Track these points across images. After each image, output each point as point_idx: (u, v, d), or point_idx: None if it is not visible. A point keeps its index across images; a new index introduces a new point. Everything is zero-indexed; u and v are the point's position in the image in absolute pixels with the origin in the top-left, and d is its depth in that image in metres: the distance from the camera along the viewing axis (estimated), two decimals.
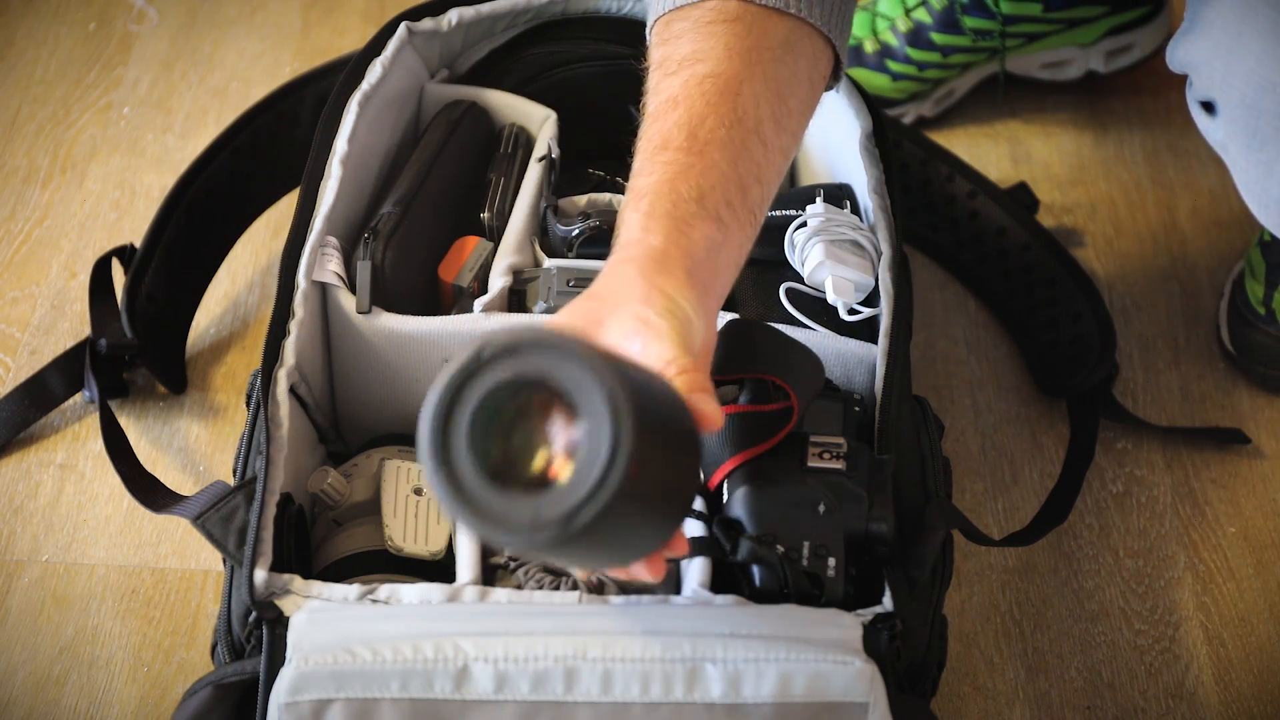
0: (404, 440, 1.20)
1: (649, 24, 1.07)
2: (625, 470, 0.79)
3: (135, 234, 1.45)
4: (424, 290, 1.22)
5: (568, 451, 0.81)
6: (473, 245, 1.23)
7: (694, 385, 0.89)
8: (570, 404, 0.80)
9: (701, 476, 1.01)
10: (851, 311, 1.18)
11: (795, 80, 1.04)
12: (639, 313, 0.91)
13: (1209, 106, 1.16)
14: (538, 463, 0.82)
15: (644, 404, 0.80)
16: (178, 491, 1.15)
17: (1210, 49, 1.12)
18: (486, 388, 0.81)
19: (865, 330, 1.17)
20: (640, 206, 0.97)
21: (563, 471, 0.81)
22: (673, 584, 1.04)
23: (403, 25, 1.29)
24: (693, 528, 1.03)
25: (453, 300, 1.22)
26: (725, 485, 1.03)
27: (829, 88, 1.10)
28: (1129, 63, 1.59)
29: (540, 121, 1.31)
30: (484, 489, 0.81)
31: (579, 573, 1.02)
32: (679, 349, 0.90)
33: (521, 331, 0.81)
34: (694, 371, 0.90)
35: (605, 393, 0.79)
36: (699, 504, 1.04)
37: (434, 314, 1.18)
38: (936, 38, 1.54)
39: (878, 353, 1.13)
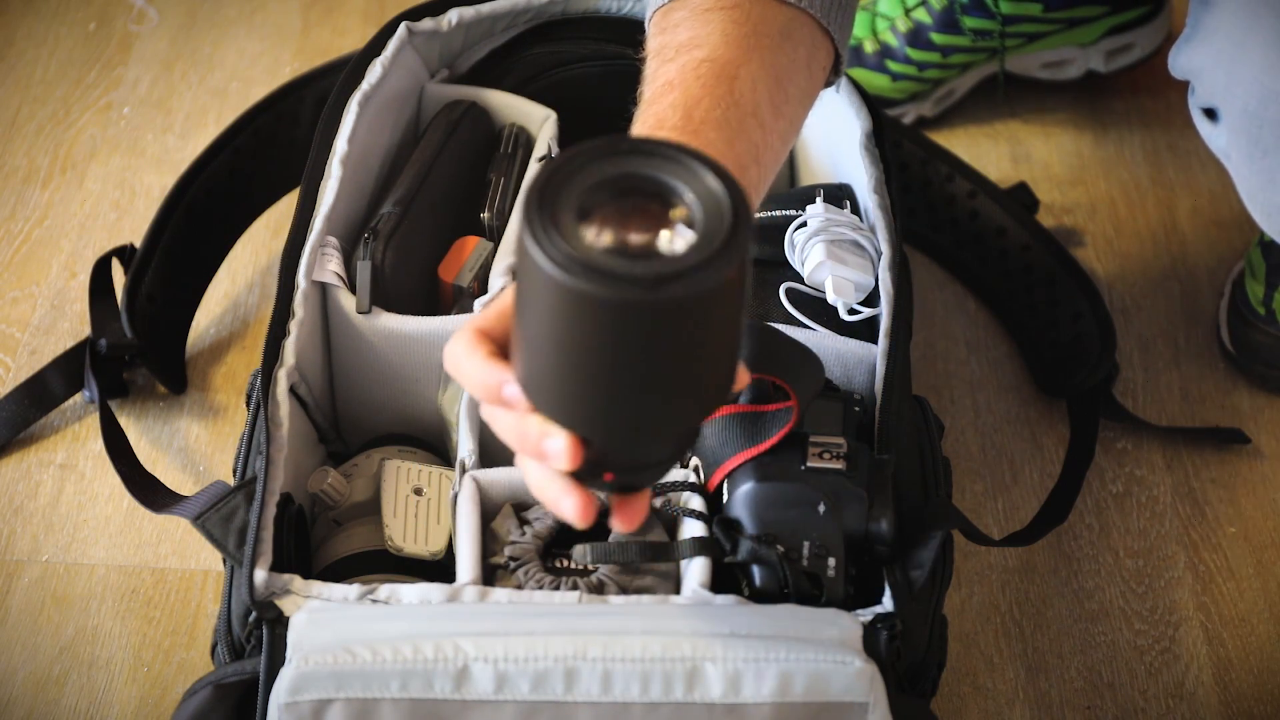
0: (404, 440, 1.20)
1: (648, 15, 1.07)
2: (736, 260, 0.75)
3: (135, 234, 1.45)
4: (424, 290, 1.22)
5: (682, 226, 0.78)
6: (473, 245, 1.23)
7: None
8: (685, 205, 0.77)
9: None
10: (851, 311, 1.18)
11: (794, 68, 1.04)
12: None
13: (1211, 113, 1.16)
14: (644, 236, 0.78)
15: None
16: (178, 491, 1.15)
17: (1213, 57, 1.12)
18: (607, 173, 0.78)
19: (865, 330, 1.17)
20: None
21: (678, 240, 0.77)
22: (673, 584, 1.04)
23: (403, 25, 1.29)
24: (693, 528, 1.03)
25: (453, 300, 1.22)
26: (725, 485, 1.03)
27: (829, 83, 1.10)
28: (1129, 62, 1.59)
29: (540, 121, 1.31)
30: (577, 235, 0.76)
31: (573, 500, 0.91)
32: None
33: (659, 140, 0.79)
34: None
35: (733, 197, 0.76)
36: (699, 503, 1.04)
37: (434, 314, 1.18)
38: (936, 38, 1.54)
39: (878, 353, 1.13)
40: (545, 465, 0.85)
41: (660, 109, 0.98)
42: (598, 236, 0.77)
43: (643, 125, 0.99)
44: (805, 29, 1.04)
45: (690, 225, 0.77)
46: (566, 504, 0.86)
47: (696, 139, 0.96)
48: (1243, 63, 1.09)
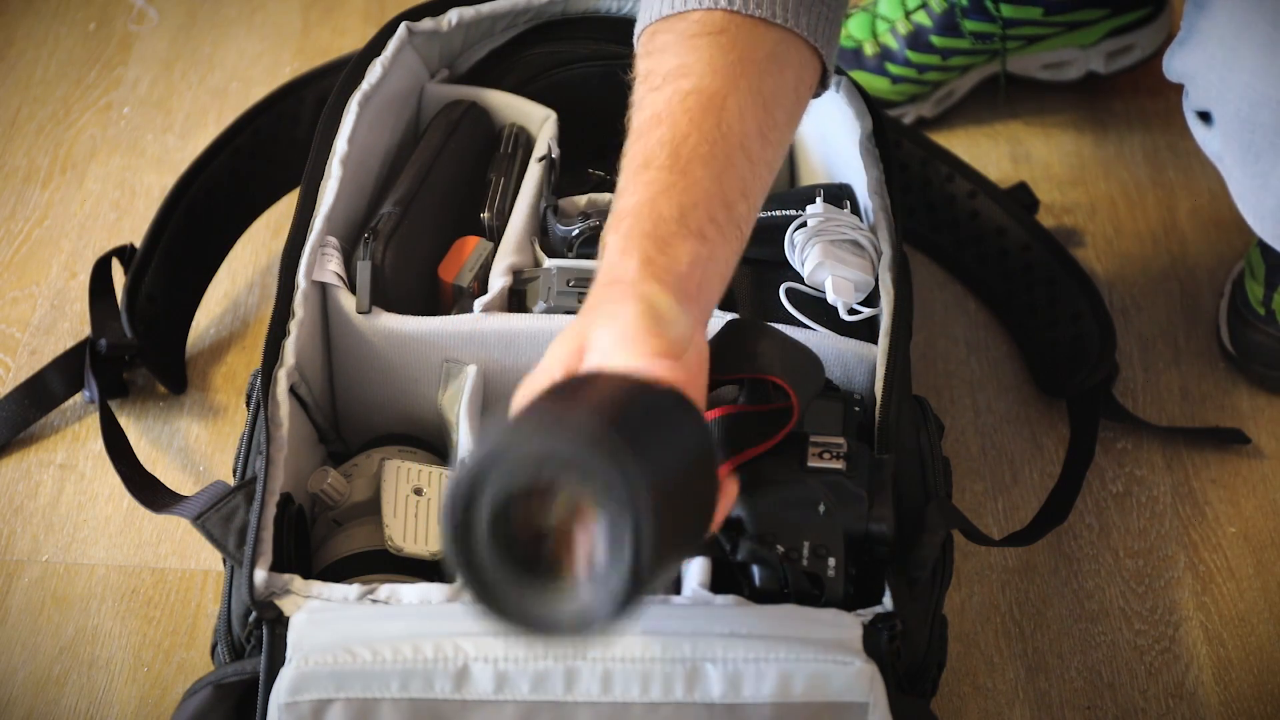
0: (404, 440, 1.20)
1: (636, 32, 1.07)
2: (646, 581, 0.79)
3: (135, 234, 1.45)
4: (424, 290, 1.22)
5: (588, 556, 0.82)
6: (473, 245, 1.23)
7: None
8: (590, 498, 0.80)
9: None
10: (851, 311, 1.18)
11: (781, 92, 1.03)
12: (618, 321, 0.91)
13: (1205, 116, 1.16)
14: (559, 561, 0.83)
15: (663, 489, 0.79)
16: (178, 491, 1.15)
17: (1206, 61, 1.12)
18: (505, 484, 0.81)
19: (865, 330, 1.17)
20: (620, 229, 0.96)
21: (582, 573, 0.82)
22: (673, 584, 1.04)
23: (403, 25, 1.29)
24: None
25: (453, 300, 1.22)
26: None
27: (816, 95, 1.09)
28: (1129, 63, 1.59)
29: (540, 121, 1.31)
30: (504, 580, 0.82)
31: None
32: (661, 345, 0.90)
33: (535, 433, 0.80)
34: (684, 384, 0.89)
35: (627, 502, 0.78)
36: None
37: (434, 314, 1.18)
38: (936, 41, 1.54)
39: (878, 353, 1.13)
40: None
41: (648, 145, 0.98)
42: (520, 569, 0.82)
43: (630, 160, 0.99)
44: (793, 49, 1.04)
45: (595, 523, 0.81)
46: None
47: (684, 178, 0.96)
48: (1235, 68, 1.09)
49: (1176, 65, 1.15)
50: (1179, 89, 1.20)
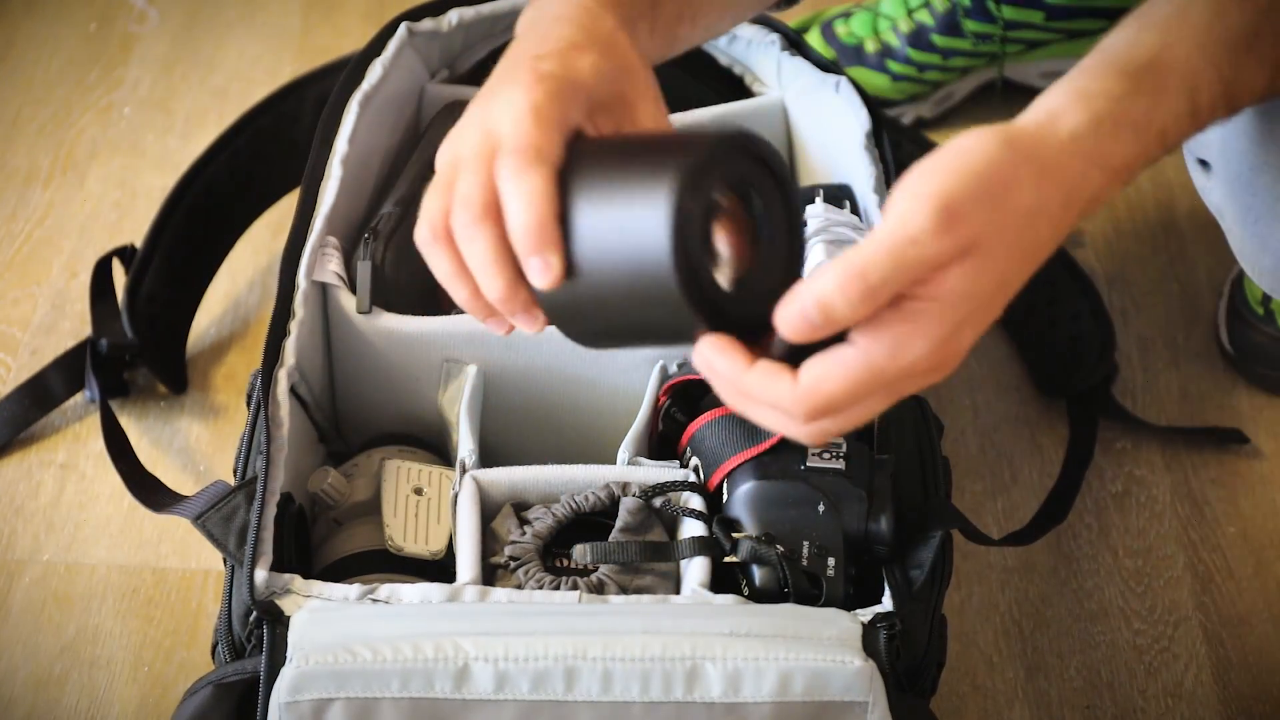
0: (404, 440, 1.20)
1: None
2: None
3: (136, 234, 1.46)
4: (424, 290, 1.22)
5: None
6: None
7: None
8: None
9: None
10: None
11: None
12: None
13: (1204, 163, 1.15)
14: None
15: None
16: (178, 491, 1.15)
17: None
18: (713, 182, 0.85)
19: None
20: None
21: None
22: (673, 584, 1.05)
23: (403, 26, 1.29)
24: (693, 528, 1.03)
25: (452, 300, 1.22)
26: (725, 485, 1.03)
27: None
28: None
29: None
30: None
31: None
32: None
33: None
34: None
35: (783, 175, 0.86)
36: (699, 503, 1.04)
37: (434, 314, 1.18)
38: (938, 40, 1.55)
39: None
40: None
41: None
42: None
43: None
44: None
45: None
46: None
47: None
48: (1235, 132, 1.08)
49: None
50: None
